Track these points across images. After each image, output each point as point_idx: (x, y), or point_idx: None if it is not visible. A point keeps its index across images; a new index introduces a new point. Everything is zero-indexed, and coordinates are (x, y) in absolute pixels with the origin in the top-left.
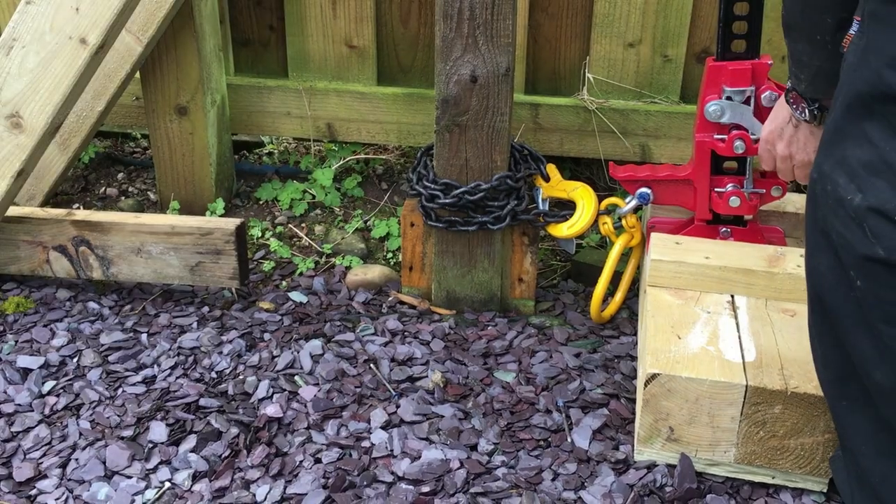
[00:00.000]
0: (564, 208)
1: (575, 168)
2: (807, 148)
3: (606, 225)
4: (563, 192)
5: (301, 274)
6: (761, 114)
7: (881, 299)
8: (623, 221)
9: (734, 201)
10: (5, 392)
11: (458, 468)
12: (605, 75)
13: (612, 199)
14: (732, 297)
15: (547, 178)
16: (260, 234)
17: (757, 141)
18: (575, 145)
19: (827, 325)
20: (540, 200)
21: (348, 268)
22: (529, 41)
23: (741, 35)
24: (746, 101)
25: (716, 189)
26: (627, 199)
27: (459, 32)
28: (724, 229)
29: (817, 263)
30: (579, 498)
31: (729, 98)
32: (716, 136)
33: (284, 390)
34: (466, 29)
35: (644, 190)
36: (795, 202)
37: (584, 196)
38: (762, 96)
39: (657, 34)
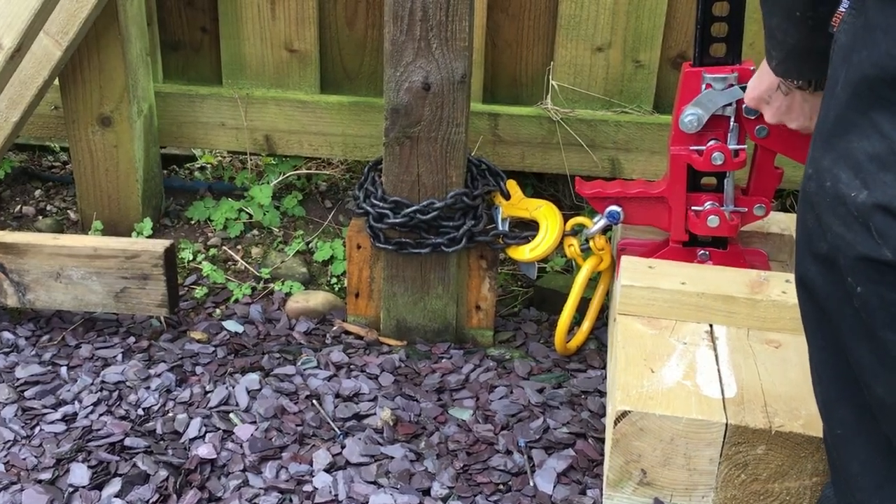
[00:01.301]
0: (526, 229)
1: (538, 184)
2: (802, 114)
3: (572, 247)
4: (524, 211)
5: (236, 301)
6: (742, 125)
7: (886, 305)
8: (591, 243)
9: (713, 221)
10: None
11: None
12: (570, 82)
13: (579, 219)
14: (711, 326)
15: (507, 196)
16: (191, 258)
17: (738, 154)
18: (538, 159)
19: (821, 338)
20: (499, 220)
21: (288, 294)
22: (488, 45)
23: (721, 38)
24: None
25: (692, 207)
26: (595, 219)
27: (411, 35)
28: (701, 252)
29: (807, 270)
30: None
31: (710, 85)
32: (692, 149)
33: (218, 429)
34: (419, 31)
35: (614, 208)
36: (780, 222)
37: (547, 215)
38: (744, 106)
39: (628, 37)
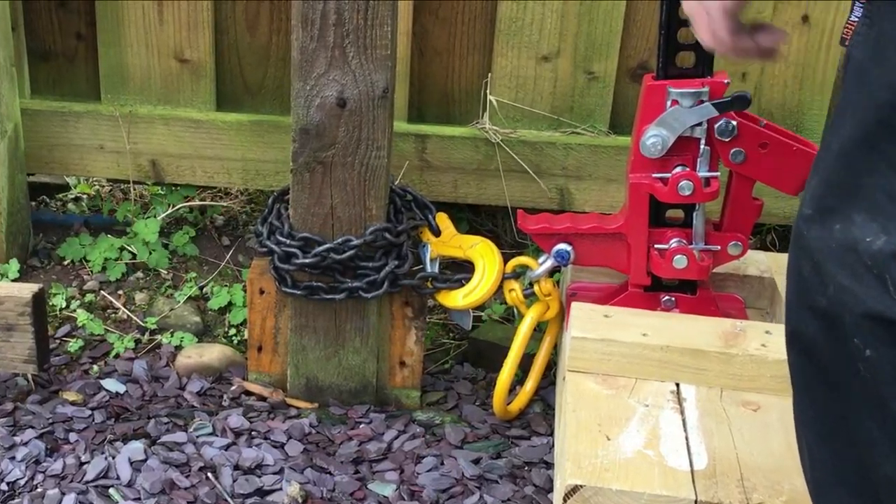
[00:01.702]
0: (460, 270)
1: (474, 218)
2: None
3: (514, 292)
4: (457, 250)
5: (117, 356)
6: (715, 149)
7: None
8: (536, 287)
9: (680, 261)
10: None
11: None
12: (512, 97)
13: (522, 259)
14: (678, 385)
15: (437, 232)
16: (64, 305)
17: (709, 183)
18: (473, 189)
19: (815, 409)
20: (428, 260)
21: (179, 348)
22: (414, 53)
23: (689, 45)
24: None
25: (656, 246)
26: (541, 259)
27: (323, 42)
28: (666, 298)
29: (802, 327)
30: None
31: (676, 102)
32: (655, 176)
33: None
34: (332, 37)
35: (563, 247)
36: (759, 263)
37: (484, 255)
38: (716, 126)
39: (580, 44)
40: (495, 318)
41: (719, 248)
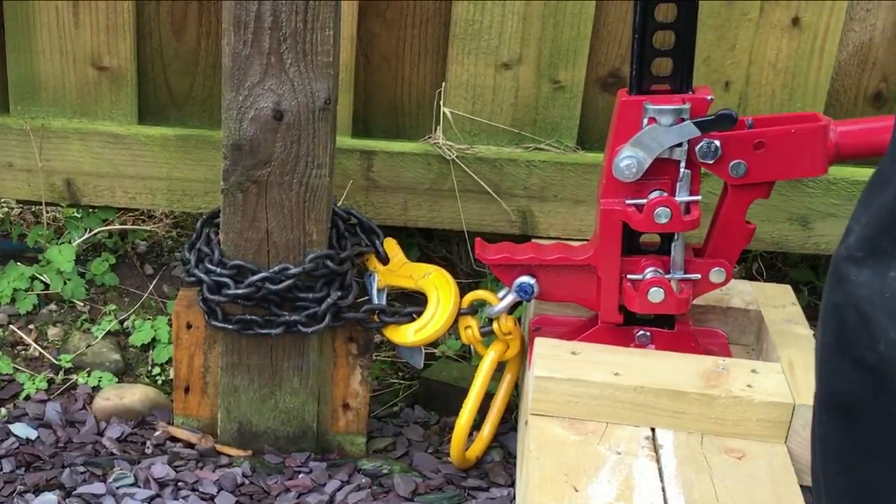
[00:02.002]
0: (411, 303)
1: (426, 244)
2: None
3: (471, 329)
4: (408, 280)
5: (28, 398)
6: (696, 172)
7: None
8: (495, 325)
9: (656, 294)
10: None
11: None
12: (468, 109)
13: (480, 293)
14: (653, 431)
15: (385, 259)
16: None
17: (689, 210)
18: (426, 211)
19: (850, 479)
20: (375, 291)
21: (97, 389)
22: (359, 60)
23: (666, 51)
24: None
25: (629, 276)
26: (501, 293)
27: (258, 47)
28: (640, 333)
29: (847, 384)
30: None
31: (654, 119)
32: (629, 203)
33: None
34: (268, 42)
35: (525, 280)
36: (744, 293)
37: (438, 285)
38: (697, 147)
39: (544, 50)
40: (450, 355)
41: (700, 276)
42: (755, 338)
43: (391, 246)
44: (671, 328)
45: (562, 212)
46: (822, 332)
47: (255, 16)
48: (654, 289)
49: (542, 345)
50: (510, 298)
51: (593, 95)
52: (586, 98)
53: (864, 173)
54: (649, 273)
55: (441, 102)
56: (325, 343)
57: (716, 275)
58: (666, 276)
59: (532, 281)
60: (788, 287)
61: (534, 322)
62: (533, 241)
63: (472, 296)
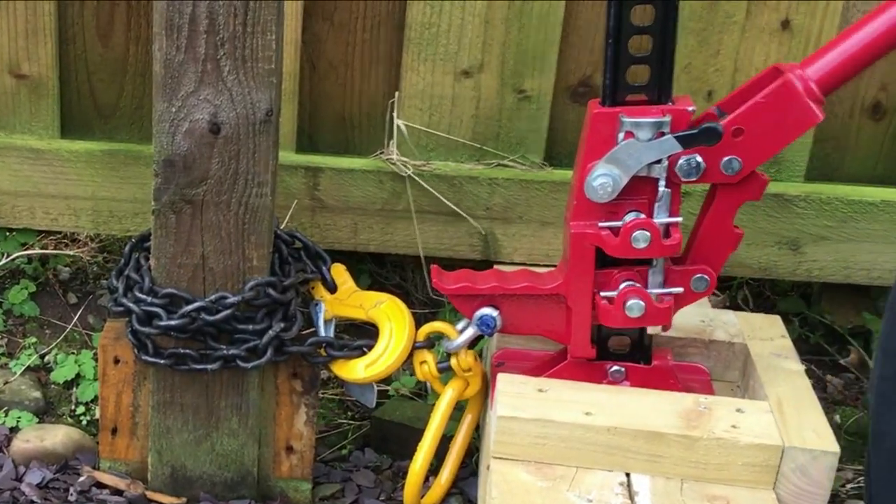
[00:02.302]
0: (361, 335)
1: (377, 270)
2: None
3: (427, 365)
4: (358, 310)
5: None
6: (675, 192)
7: None
8: (453, 360)
9: (634, 308)
10: None
11: None
12: (424, 122)
13: (437, 326)
14: (628, 476)
15: (333, 288)
16: None
17: (669, 233)
18: (378, 234)
19: None
20: (321, 322)
21: (15, 430)
22: (304, 67)
23: (643, 58)
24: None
25: (602, 293)
26: (460, 326)
27: (192, 53)
28: (614, 368)
29: None
30: None
31: (630, 134)
32: (603, 225)
33: None
34: (204, 47)
35: (487, 312)
36: (729, 325)
37: (392, 316)
38: (677, 164)
39: (508, 56)
40: (404, 393)
41: (682, 289)
42: (740, 374)
43: (339, 272)
44: (647, 363)
45: (527, 235)
46: (880, 369)
47: (189, 18)
48: (632, 301)
49: (505, 381)
50: (470, 332)
51: (562, 106)
52: (555, 109)
53: (861, 193)
54: (625, 286)
55: (394, 114)
56: (267, 379)
57: (698, 283)
58: (645, 288)
59: (494, 313)
60: (777, 318)
61: (497, 357)
62: (495, 267)
63: (428, 328)
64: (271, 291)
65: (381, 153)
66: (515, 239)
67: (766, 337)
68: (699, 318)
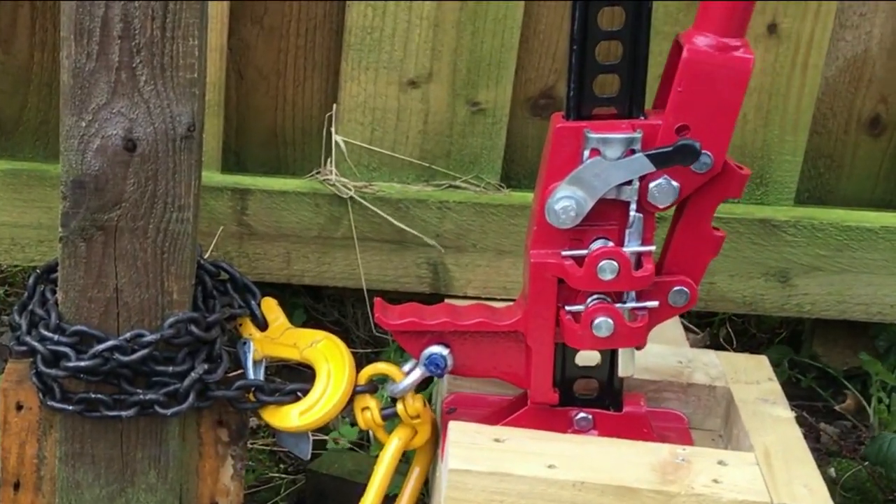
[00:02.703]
0: (295, 378)
1: (314, 305)
2: None
3: (370, 411)
4: (291, 350)
5: None
6: (647, 218)
7: None
8: (399, 405)
9: (602, 327)
10: None
11: None
12: (366, 138)
13: (381, 367)
14: None
15: (264, 325)
16: None
17: (641, 263)
18: (313, 264)
19: None
20: (250, 363)
21: None
22: (231, 77)
23: (611, 66)
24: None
25: (568, 308)
26: (407, 367)
27: (105, 61)
28: (580, 415)
29: None
30: None
31: (597, 151)
32: (566, 254)
33: None
34: (117, 54)
35: (436, 350)
36: (709, 367)
37: (329, 356)
38: (651, 187)
39: (460, 64)
40: (344, 444)
41: (658, 303)
42: (723, 421)
43: (270, 307)
44: (618, 409)
45: (482, 265)
46: None
47: (101, 21)
48: (601, 319)
49: (457, 430)
50: (418, 373)
51: (521, 120)
52: (513, 124)
53: (858, 218)
54: (593, 301)
55: (332, 129)
56: (189, 428)
57: (677, 296)
58: (615, 304)
59: (445, 352)
60: (764, 358)
61: (448, 402)
62: (446, 301)
63: (371, 369)
64: (194, 329)
65: (317, 173)
66: (469, 270)
67: (752, 380)
68: (676, 358)
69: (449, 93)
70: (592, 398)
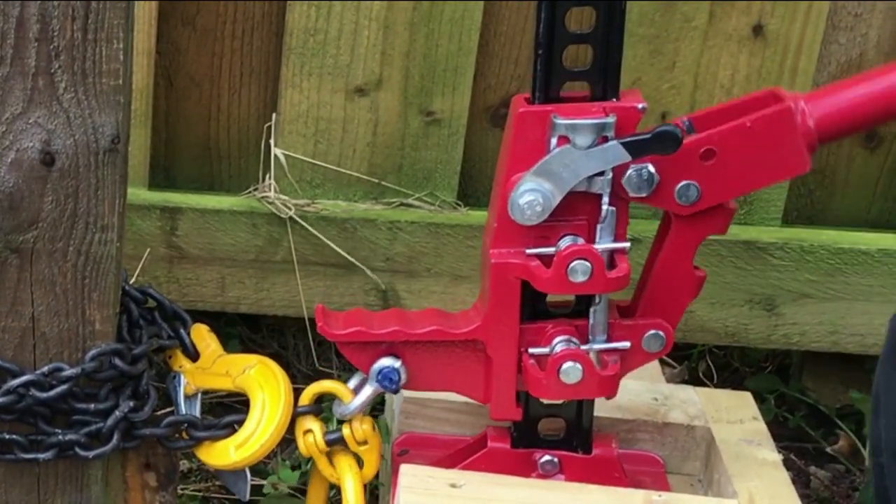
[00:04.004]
0: (232, 410)
1: (251, 335)
2: None
3: (312, 436)
4: (224, 379)
5: None
6: (621, 211)
7: None
8: (346, 429)
9: (570, 373)
10: None
11: None
12: (309, 151)
13: (326, 385)
14: None
15: (195, 356)
16: None
17: (614, 262)
18: (251, 290)
19: None
20: (181, 398)
21: None
22: (160, 83)
23: (581, 35)
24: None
25: (531, 351)
26: (353, 383)
27: (20, 66)
28: (545, 458)
29: None
30: None
31: (565, 139)
32: (531, 253)
33: None
34: (34, 58)
35: (388, 364)
36: (687, 404)
37: (263, 382)
38: (625, 177)
39: (413, 70)
40: (283, 489)
41: (629, 344)
42: (702, 464)
43: (201, 334)
44: (587, 452)
45: (437, 291)
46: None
47: (15, 22)
48: (568, 364)
49: (410, 474)
50: (370, 390)
51: (480, 132)
52: (471, 135)
53: (852, 240)
54: (559, 344)
55: (272, 141)
56: (113, 472)
57: (652, 341)
58: (583, 348)
59: (397, 363)
60: (748, 395)
61: (398, 443)
62: (396, 308)
63: (315, 388)
64: (118, 362)
65: (254, 190)
66: (422, 296)
67: (735, 419)
68: (651, 394)
69: (400, 101)
70: (559, 439)
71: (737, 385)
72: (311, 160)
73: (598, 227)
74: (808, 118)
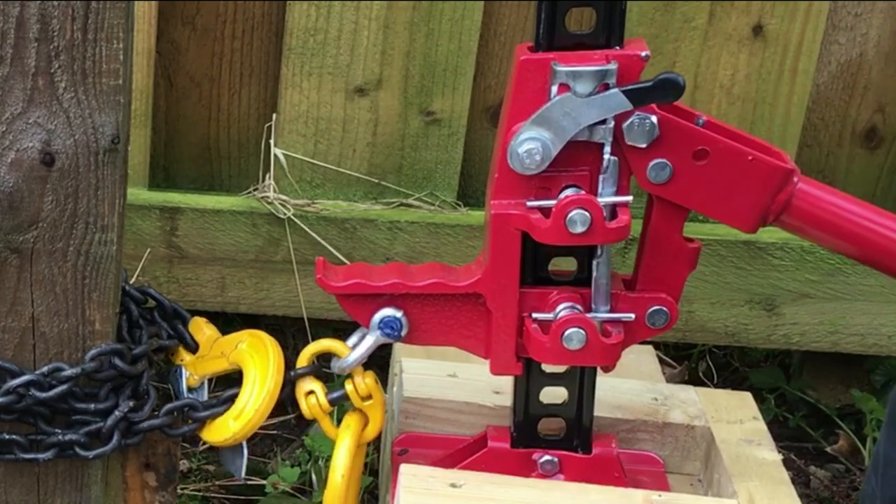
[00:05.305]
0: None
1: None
2: None
3: (314, 397)
4: (220, 360)
5: None
6: (623, 160)
7: None
8: (349, 385)
9: (573, 338)
10: None
11: None
12: (309, 151)
13: (325, 344)
14: None
15: (195, 348)
16: None
17: (615, 214)
18: (250, 290)
19: None
20: (184, 389)
21: None
22: (160, 84)
23: (580, 36)
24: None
25: (535, 315)
26: (352, 340)
27: (20, 66)
28: (544, 458)
29: None
30: None
31: (566, 87)
32: (531, 205)
33: None
34: (34, 58)
35: (389, 313)
36: (687, 404)
37: (253, 353)
38: (625, 125)
39: (413, 70)
40: (284, 487)
41: (633, 316)
42: (702, 464)
43: (198, 326)
44: (587, 451)
45: None
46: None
47: (15, 22)
48: (571, 330)
49: (409, 474)
50: (371, 340)
51: (480, 132)
52: (471, 135)
53: None
54: (563, 310)
55: (271, 141)
56: (113, 472)
57: (655, 316)
58: (587, 314)
59: (398, 314)
60: (748, 395)
61: (398, 442)
62: (397, 262)
63: (313, 347)
64: (118, 362)
65: (254, 190)
66: None
67: (735, 419)
68: (651, 394)
69: (400, 101)
70: (558, 439)
71: (737, 385)
72: (310, 160)
73: (601, 178)
74: (793, 185)
